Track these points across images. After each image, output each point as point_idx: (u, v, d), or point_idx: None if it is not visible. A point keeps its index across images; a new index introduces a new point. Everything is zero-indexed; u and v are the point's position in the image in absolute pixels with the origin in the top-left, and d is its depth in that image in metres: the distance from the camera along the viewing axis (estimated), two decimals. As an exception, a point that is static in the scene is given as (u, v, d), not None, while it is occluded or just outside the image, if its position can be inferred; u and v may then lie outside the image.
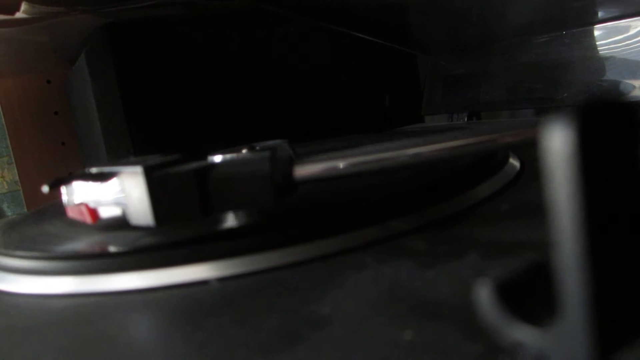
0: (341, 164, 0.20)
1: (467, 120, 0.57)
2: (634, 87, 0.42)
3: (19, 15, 0.45)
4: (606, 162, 0.06)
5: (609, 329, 0.07)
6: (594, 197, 0.06)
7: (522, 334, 0.08)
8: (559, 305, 0.07)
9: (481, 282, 0.08)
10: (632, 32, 0.41)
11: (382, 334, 0.13)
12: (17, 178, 0.69)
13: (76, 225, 0.24)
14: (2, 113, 0.67)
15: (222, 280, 0.18)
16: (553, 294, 0.07)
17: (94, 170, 0.22)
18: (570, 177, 0.06)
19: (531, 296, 0.08)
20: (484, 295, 0.08)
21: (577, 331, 0.07)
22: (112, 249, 0.21)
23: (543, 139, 0.06)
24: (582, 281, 0.07)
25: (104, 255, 0.20)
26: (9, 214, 0.73)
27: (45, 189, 0.20)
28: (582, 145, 0.06)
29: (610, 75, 0.43)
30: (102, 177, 0.21)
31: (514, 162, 0.28)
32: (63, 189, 0.23)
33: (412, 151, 0.19)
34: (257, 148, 0.21)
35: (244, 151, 0.21)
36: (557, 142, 0.06)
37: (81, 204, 0.22)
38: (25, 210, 0.70)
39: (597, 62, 0.44)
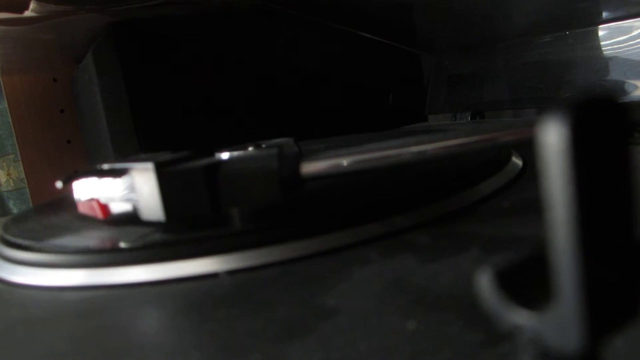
0: (347, 161, 0.20)
1: (471, 119, 0.58)
2: (636, 87, 0.42)
3: (27, 13, 0.45)
4: (597, 155, 0.07)
5: (599, 312, 0.07)
6: (586, 187, 0.07)
7: (519, 317, 0.08)
8: (553, 290, 0.08)
9: (482, 269, 0.09)
10: (635, 32, 0.42)
11: (387, 324, 0.13)
12: (23, 175, 0.69)
13: (87, 221, 0.25)
14: (8, 111, 0.67)
15: (231, 273, 0.19)
16: (548, 280, 0.08)
17: (105, 166, 0.22)
18: (563, 169, 0.07)
19: (528, 282, 0.09)
20: (484, 282, 0.09)
21: (570, 315, 0.07)
22: (123, 243, 0.21)
23: (539, 133, 0.07)
24: (574, 268, 0.07)
25: (116, 249, 0.21)
26: (15, 211, 0.73)
27: (59, 184, 0.20)
28: (574, 140, 0.07)
29: (613, 75, 0.43)
30: (114, 173, 0.22)
31: (517, 161, 0.29)
32: (74, 185, 0.23)
33: (415, 149, 0.19)
34: (264, 146, 0.22)
35: (250, 149, 0.21)
36: (552, 136, 0.07)
37: (92, 199, 0.23)
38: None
39: (601, 62, 0.44)
